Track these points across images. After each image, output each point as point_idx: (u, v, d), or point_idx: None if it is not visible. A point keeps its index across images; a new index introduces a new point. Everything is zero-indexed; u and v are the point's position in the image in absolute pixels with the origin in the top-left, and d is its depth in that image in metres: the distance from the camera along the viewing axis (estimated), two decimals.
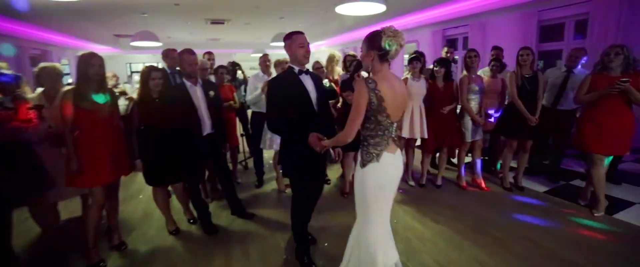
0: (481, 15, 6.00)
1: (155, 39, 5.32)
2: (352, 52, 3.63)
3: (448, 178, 3.71)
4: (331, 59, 3.75)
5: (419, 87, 3.23)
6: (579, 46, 3.97)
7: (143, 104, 2.30)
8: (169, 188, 2.71)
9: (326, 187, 3.55)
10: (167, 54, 3.11)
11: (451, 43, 6.98)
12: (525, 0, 5.07)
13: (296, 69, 1.88)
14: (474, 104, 3.24)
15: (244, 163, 4.38)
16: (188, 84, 2.42)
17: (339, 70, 3.95)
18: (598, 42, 4.24)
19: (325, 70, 3.60)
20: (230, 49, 13.51)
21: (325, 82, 3.31)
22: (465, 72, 3.32)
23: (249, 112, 3.87)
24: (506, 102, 3.36)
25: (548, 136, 3.64)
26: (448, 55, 4.14)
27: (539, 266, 2.12)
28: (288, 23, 7.96)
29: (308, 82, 1.89)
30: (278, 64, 3.10)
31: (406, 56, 7.55)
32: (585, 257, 2.19)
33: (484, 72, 3.73)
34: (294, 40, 1.84)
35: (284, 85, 1.86)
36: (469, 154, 3.61)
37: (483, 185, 3.44)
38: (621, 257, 2.21)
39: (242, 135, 4.27)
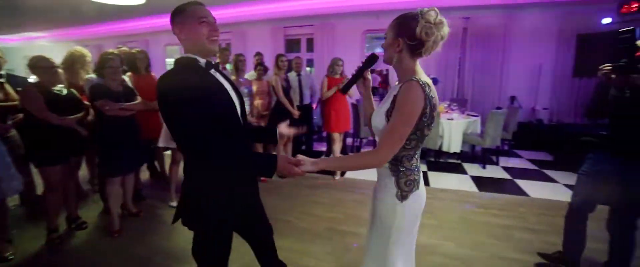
0: (241, 24, 6.70)
1: None
2: (112, 50, 2.78)
3: None
4: (76, 59, 2.77)
5: None
6: (308, 58, 5.39)
7: None
8: None
9: (84, 232, 2.64)
10: None
11: None
12: (273, 17, 6.12)
13: (201, 61, 1.18)
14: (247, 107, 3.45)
15: None
16: None
17: (83, 74, 3.00)
18: (319, 54, 6.23)
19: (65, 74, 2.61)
20: None
21: (61, 87, 2.40)
22: (234, 76, 3.47)
23: None
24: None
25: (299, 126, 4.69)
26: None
27: (321, 234, 2.63)
28: None
29: (223, 81, 1.24)
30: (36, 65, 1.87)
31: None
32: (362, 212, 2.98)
33: (250, 75, 4.07)
34: (189, 15, 1.14)
35: (192, 87, 1.08)
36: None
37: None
38: (365, 211, 3.16)
39: None
